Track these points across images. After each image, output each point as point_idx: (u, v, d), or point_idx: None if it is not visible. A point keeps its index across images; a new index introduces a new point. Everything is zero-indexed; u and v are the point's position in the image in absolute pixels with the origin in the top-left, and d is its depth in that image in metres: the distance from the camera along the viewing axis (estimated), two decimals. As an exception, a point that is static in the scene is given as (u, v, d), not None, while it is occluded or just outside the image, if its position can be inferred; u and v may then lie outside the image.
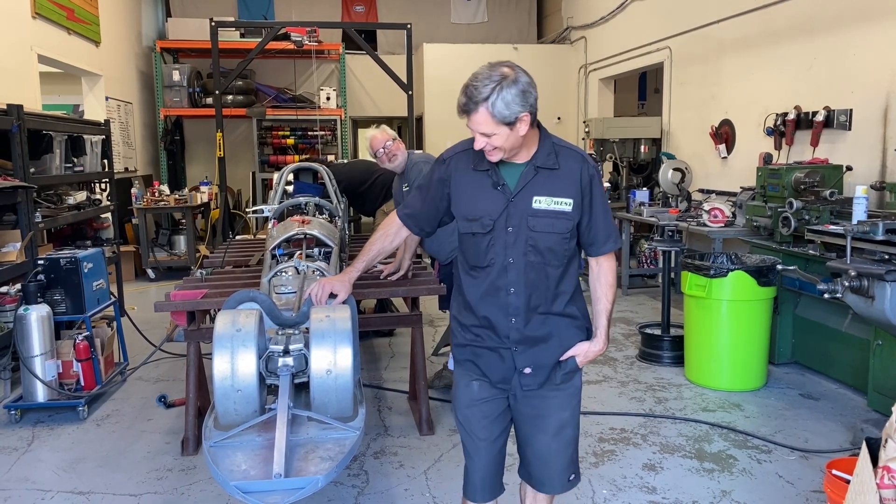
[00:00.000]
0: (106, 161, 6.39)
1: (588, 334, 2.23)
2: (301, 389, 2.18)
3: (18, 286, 4.24)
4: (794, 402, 4.28)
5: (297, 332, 2.24)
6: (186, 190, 9.08)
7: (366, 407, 2.19)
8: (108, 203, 6.41)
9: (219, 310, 4.57)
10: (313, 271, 3.20)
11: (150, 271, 8.37)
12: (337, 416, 2.03)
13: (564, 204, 2.07)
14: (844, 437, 3.74)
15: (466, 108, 1.97)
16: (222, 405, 1.92)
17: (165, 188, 8.71)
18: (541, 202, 2.06)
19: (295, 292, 2.88)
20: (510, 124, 1.95)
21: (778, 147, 5.76)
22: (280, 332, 2.21)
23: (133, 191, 8.33)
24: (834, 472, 2.58)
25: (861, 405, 4.16)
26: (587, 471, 3.40)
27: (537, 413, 2.19)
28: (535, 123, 2.08)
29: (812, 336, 4.68)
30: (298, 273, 3.16)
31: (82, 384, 4.27)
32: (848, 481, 2.53)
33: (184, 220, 8.78)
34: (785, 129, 5.64)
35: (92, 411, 4.23)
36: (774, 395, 4.37)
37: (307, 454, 1.85)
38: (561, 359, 2.16)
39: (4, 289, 4.26)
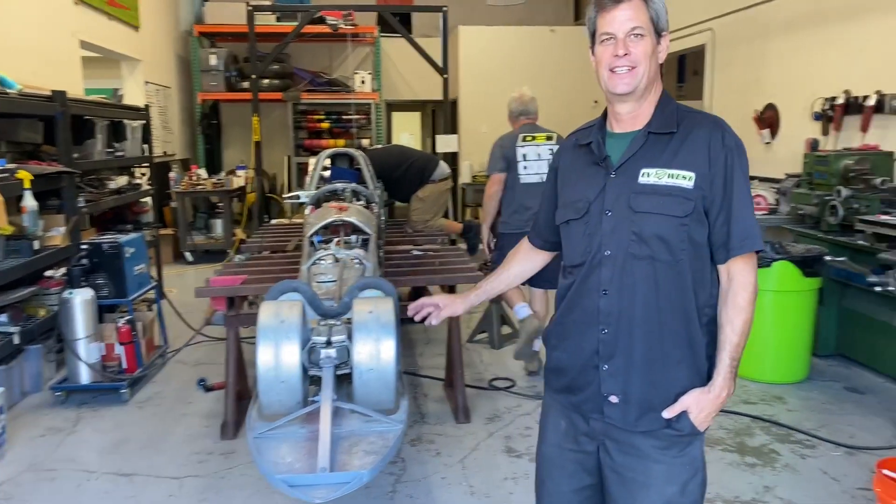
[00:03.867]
0: (146, 146, 6.47)
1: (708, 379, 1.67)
2: (343, 380, 2.17)
3: (63, 270, 4.33)
4: (838, 395, 4.18)
5: (338, 322, 2.23)
6: (224, 174, 9.16)
7: (408, 399, 2.18)
8: (148, 187, 6.50)
9: (257, 296, 4.62)
10: (352, 259, 3.20)
11: (188, 254, 8.49)
12: (379, 409, 2.02)
13: (683, 178, 1.60)
14: (892, 433, 3.65)
15: None
16: (266, 396, 1.93)
17: (203, 172, 8.80)
18: (649, 175, 1.63)
19: (335, 281, 2.87)
20: (659, 35, 1.66)
21: (825, 133, 5.59)
22: (322, 323, 2.21)
23: (171, 175, 8.44)
24: (885, 471, 2.51)
25: (909, 400, 4.06)
26: (626, 463, 3.36)
27: (633, 477, 1.68)
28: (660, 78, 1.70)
29: (858, 328, 4.55)
30: (337, 261, 3.16)
31: (125, 367, 4.36)
32: (899, 482, 2.47)
33: (221, 204, 8.87)
34: (833, 113, 5.46)
35: (134, 394, 4.32)
36: (818, 389, 4.27)
37: (351, 447, 1.85)
38: (666, 414, 1.64)
39: (49, 272, 4.35)
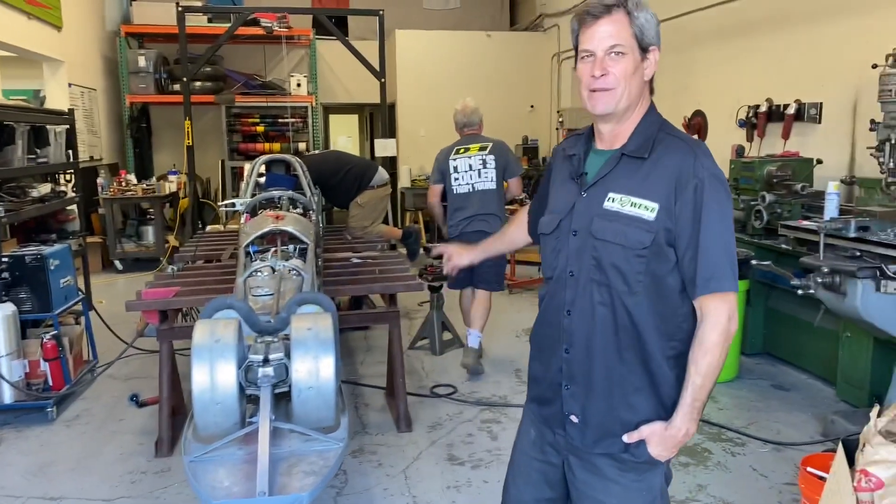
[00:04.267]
0: (70, 152, 6.21)
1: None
2: (281, 399, 2.14)
3: (-19, 284, 4.11)
4: (765, 393, 4.35)
5: (275, 339, 2.19)
6: (154, 179, 8.89)
7: (348, 416, 2.16)
8: (74, 195, 6.24)
9: (191, 308, 4.49)
10: (289, 270, 3.14)
11: (117, 263, 8.20)
12: (319, 427, 1.99)
13: (645, 208, 1.55)
14: (815, 429, 3.82)
15: (595, 11, 1.56)
16: (202, 418, 1.88)
17: (133, 177, 8.51)
18: (614, 201, 1.58)
19: (272, 294, 2.82)
20: (644, 51, 1.58)
21: (750, 139, 5.82)
22: (259, 340, 2.16)
23: (99, 180, 8.14)
24: (809, 469, 2.62)
25: (830, 395, 4.26)
26: (565, 467, 3.42)
27: (593, 495, 1.69)
28: (650, 94, 1.65)
29: (783, 327, 4.76)
30: (274, 272, 3.10)
31: (50, 384, 4.17)
32: (821, 478, 2.58)
33: (151, 210, 8.60)
34: (757, 121, 5.69)
35: (61, 412, 4.14)
36: (747, 387, 4.43)
37: (290, 468, 1.82)
38: (626, 439, 1.63)
39: (-33, 287, 4.13)
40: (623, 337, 1.60)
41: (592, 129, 1.75)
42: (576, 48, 1.67)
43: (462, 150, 4.82)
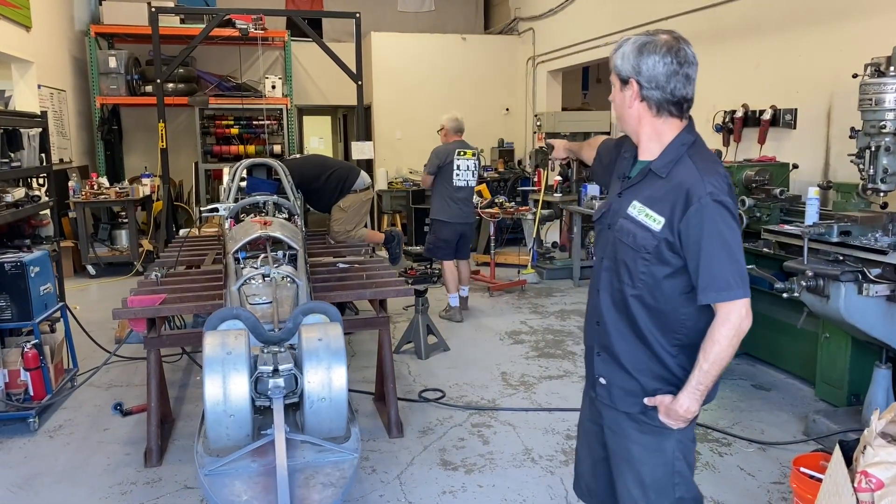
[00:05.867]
0: (44, 155, 6.08)
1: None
2: (289, 408, 2.13)
3: (-42, 292, 4.00)
4: (747, 393, 4.44)
5: (282, 349, 2.18)
6: (126, 182, 8.73)
7: (357, 425, 2.16)
8: (48, 199, 6.10)
9: (176, 314, 4.42)
10: (283, 277, 3.12)
11: (90, 267, 8.03)
12: (330, 437, 1.99)
13: (653, 220, 1.81)
14: (797, 428, 3.91)
15: None
16: (214, 430, 1.87)
17: (105, 180, 8.35)
18: (635, 208, 1.86)
19: (270, 302, 2.80)
20: (622, 80, 1.88)
21: (726, 144, 5.93)
22: (266, 350, 2.16)
23: (71, 184, 7.96)
24: (801, 469, 2.69)
25: (809, 395, 4.37)
26: (558, 469, 3.46)
27: (620, 455, 1.97)
28: (675, 116, 1.87)
29: (762, 328, 4.85)
30: (265, 278, 3.08)
31: (31, 394, 4.08)
32: (813, 478, 2.65)
33: (124, 214, 8.45)
34: (733, 126, 5.81)
35: (43, 422, 4.05)
36: (729, 387, 4.52)
37: (307, 480, 1.81)
38: (646, 401, 1.89)
39: (-58, 295, 4.01)
40: (625, 322, 1.91)
41: None
42: None
43: (462, 153, 6.14)
